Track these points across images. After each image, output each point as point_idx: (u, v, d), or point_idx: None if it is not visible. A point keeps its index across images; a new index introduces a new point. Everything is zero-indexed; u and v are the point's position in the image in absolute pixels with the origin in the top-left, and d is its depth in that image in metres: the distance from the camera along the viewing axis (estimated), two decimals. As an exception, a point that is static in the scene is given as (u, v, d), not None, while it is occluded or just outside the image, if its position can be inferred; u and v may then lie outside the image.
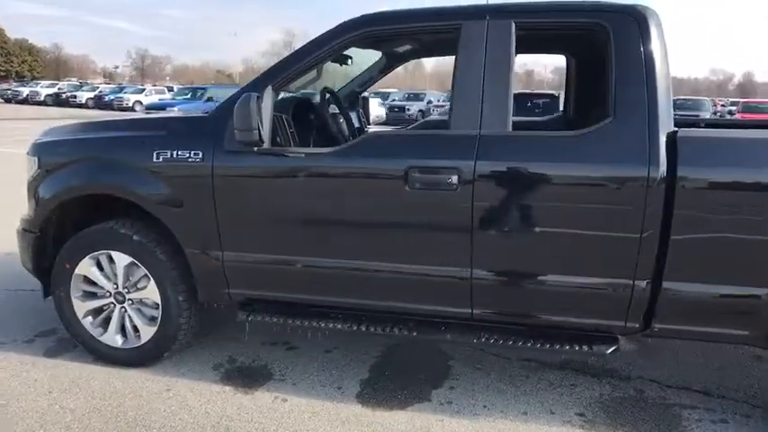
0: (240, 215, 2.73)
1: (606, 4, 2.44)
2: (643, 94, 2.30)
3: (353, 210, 2.59)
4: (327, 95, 3.47)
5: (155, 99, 28.05)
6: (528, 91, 14.29)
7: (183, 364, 3.12)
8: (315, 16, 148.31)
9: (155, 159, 2.77)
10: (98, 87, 39.98)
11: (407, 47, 3.38)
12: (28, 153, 3.14)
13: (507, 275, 2.49)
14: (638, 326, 2.44)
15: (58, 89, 38.94)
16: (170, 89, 33.99)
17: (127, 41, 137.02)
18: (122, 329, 3.06)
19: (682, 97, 23.74)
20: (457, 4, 2.63)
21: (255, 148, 2.60)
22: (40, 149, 3.06)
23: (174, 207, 2.78)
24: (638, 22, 2.34)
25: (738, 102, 26.20)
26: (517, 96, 12.93)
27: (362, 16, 2.66)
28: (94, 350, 3.10)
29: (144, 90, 33.66)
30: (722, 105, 28.50)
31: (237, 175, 2.69)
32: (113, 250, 2.92)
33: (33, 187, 3.04)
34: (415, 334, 2.65)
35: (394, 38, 2.76)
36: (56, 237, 3.13)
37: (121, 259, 2.92)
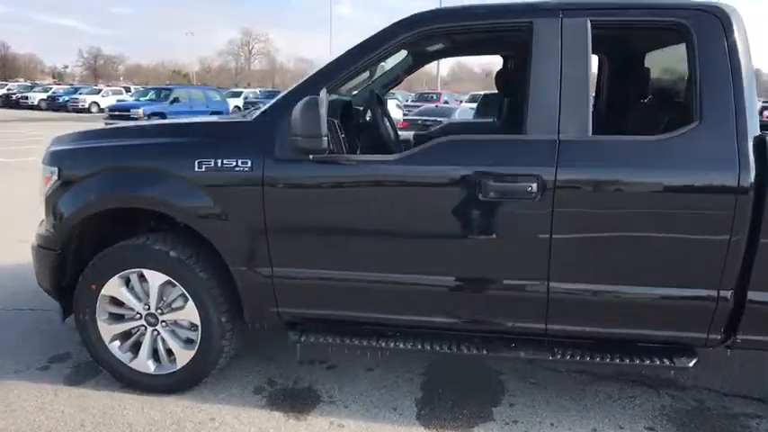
0: (293, 228, 2.52)
1: (688, 2, 2.34)
2: (730, 97, 2.22)
3: (420, 221, 2.43)
4: (370, 98, 3.28)
5: (112, 100, 27.08)
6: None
7: (220, 388, 2.88)
8: (274, 16, 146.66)
9: (196, 168, 2.54)
10: (51, 88, 38.36)
11: (452, 45, 3.22)
12: (44, 162, 2.85)
13: (587, 288, 2.37)
14: (719, 337, 2.37)
15: (8, 90, 37.17)
16: (127, 90, 32.86)
17: (76, 40, 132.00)
18: (155, 354, 2.81)
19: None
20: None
21: (311, 156, 2.41)
22: (59, 158, 2.77)
23: (218, 220, 2.55)
24: (721, 21, 2.26)
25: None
26: (490, 96, 12.95)
27: (423, 13, 2.50)
28: (123, 377, 2.83)
29: (100, 91, 32.45)
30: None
31: (291, 184, 2.49)
32: (146, 268, 2.67)
33: (52, 200, 2.75)
34: (485, 352, 2.50)
35: (453, 36, 2.60)
36: (75, 254, 2.85)
37: (155, 278, 2.68)
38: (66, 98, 31.85)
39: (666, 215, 2.27)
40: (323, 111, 2.23)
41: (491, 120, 4.86)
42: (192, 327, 2.73)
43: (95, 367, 3.03)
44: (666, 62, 2.99)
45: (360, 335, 2.62)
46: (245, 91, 34.98)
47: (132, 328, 2.81)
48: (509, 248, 2.39)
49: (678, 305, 2.33)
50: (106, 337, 2.81)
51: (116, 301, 2.79)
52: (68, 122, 24.16)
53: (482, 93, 23.13)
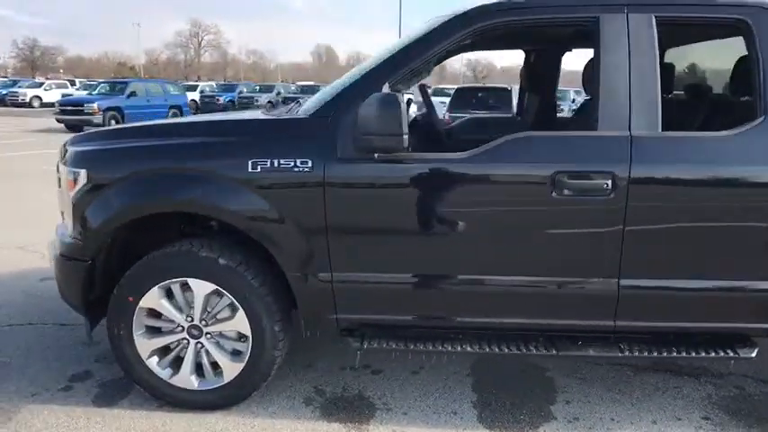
0: (356, 230, 2.41)
1: (749, 0, 2.38)
2: (793, 93, 2.28)
3: (490, 220, 2.37)
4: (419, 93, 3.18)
5: (56, 94, 25.59)
6: (478, 85, 14.35)
7: (267, 401, 2.73)
8: (223, 6, 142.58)
9: (250, 169, 2.37)
10: (-19, 81, 35.90)
11: (499, 39, 3.13)
12: (67, 164, 2.59)
13: (657, 283, 2.38)
14: None
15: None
16: (72, 83, 31.15)
17: (10, 30, 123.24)
18: (198, 368, 2.63)
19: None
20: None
21: (377, 155, 2.30)
22: (88, 160, 2.53)
23: (274, 224, 2.40)
24: None
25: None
26: (464, 90, 13.07)
27: (489, 5, 2.41)
28: (164, 395, 2.64)
29: (42, 84, 30.56)
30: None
31: (356, 185, 2.37)
32: (191, 277, 2.49)
33: (80, 206, 2.51)
34: (554, 352, 2.47)
35: (513, 30, 2.54)
36: (104, 265, 2.63)
37: (201, 287, 2.49)
38: (4, 91, 29.82)
39: (738, 209, 2.30)
40: (403, 108, 2.13)
41: (510, 115, 4.84)
42: (241, 338, 2.57)
43: (123, 385, 2.83)
44: (716, 58, 3.05)
45: (422, 339, 2.53)
46: (200, 84, 34.02)
47: (172, 342, 2.61)
48: (581, 246, 2.37)
49: (748, 297, 2.38)
50: (143, 352, 2.61)
51: (154, 314, 2.59)
52: (10, 117, 22.72)
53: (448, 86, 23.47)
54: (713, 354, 2.45)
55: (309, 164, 2.35)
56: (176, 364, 2.64)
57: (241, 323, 2.53)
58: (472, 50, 3.38)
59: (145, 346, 2.60)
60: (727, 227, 2.32)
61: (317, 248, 2.42)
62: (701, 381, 3.00)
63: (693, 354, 2.45)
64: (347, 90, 2.43)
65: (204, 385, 2.63)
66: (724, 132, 2.33)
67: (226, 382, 2.60)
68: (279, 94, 28.73)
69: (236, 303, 2.50)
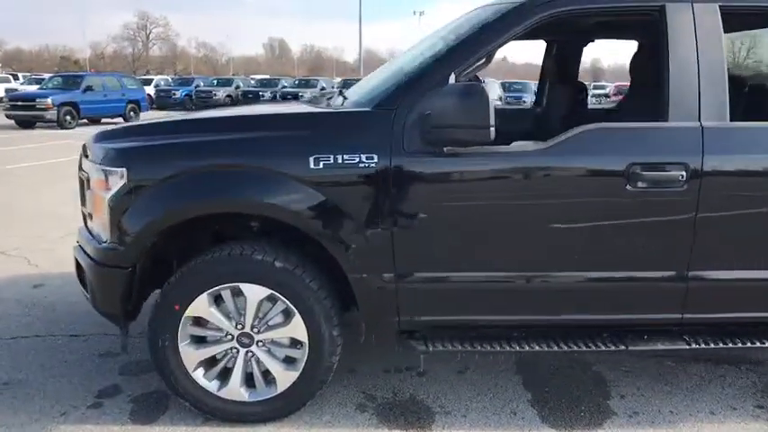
0: (423, 228, 2.29)
1: None
2: None
3: (564, 213, 2.30)
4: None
5: (-1, 88, 24.20)
6: None
7: (317, 410, 2.59)
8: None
9: (312, 166, 2.22)
10: None
11: (559, 28, 3.02)
12: (102, 163, 2.37)
13: (726, 275, 2.37)
14: None
15: None
16: (14, 77, 29.45)
17: None
18: (248, 379, 2.47)
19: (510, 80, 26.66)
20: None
21: (446, 149, 2.20)
22: (128, 158, 2.32)
23: (337, 224, 2.26)
24: None
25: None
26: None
27: (549, 2, 2.33)
28: (212, 409, 2.46)
29: (-21, 77, 28.85)
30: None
31: (424, 180, 2.25)
32: (245, 282, 2.32)
33: (119, 208, 2.30)
34: (623, 347, 2.43)
35: (579, 19, 2.47)
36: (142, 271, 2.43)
37: (255, 292, 2.33)
38: (-61, 87, 27.95)
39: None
40: (490, 98, 2.03)
41: (530, 106, 4.78)
42: (296, 344, 2.42)
43: (158, 399, 2.65)
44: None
45: (487, 339, 2.45)
46: (156, 78, 32.88)
47: (220, 353, 2.44)
48: (653, 240, 2.33)
49: None
50: (189, 364, 2.42)
51: (201, 322, 2.41)
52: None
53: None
54: (760, 344, 2.47)
55: (375, 158, 2.22)
56: (224, 375, 2.47)
57: (297, 329, 2.38)
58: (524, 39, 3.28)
59: (191, 357, 2.42)
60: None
61: (381, 248, 2.29)
62: (741, 369, 3.04)
63: (758, 344, 2.46)
64: (411, 81, 2.31)
65: (255, 396, 2.47)
66: (787, 122, 2.33)
67: (279, 392, 2.45)
68: (238, 87, 28.06)
69: (292, 308, 2.35)
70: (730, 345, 2.46)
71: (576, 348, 2.42)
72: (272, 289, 2.32)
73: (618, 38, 3.49)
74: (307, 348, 2.40)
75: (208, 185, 2.26)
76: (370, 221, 2.27)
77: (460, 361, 3.01)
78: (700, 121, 2.28)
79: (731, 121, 2.32)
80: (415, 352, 2.41)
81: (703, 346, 2.45)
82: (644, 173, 2.24)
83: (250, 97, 26.42)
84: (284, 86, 28.05)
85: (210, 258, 2.32)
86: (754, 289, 2.40)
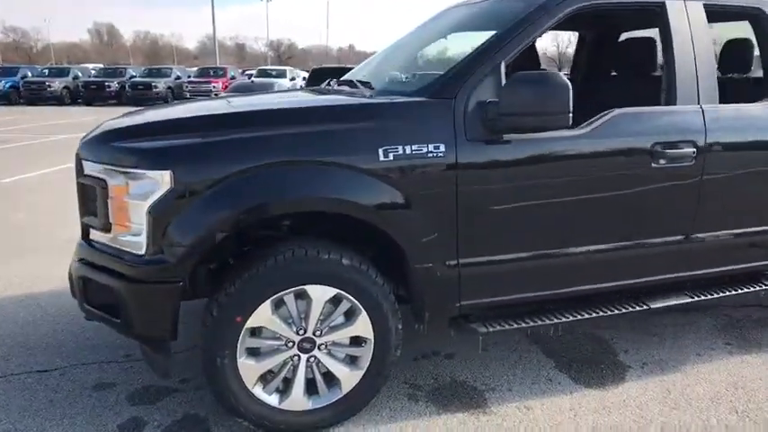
0: (484, 213, 2.35)
1: None
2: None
3: (605, 191, 2.49)
4: None
5: None
6: (336, 65, 14.03)
7: (373, 408, 2.53)
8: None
9: (382, 158, 2.17)
10: None
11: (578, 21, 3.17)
12: (133, 166, 2.06)
13: (725, 233, 2.77)
14: None
15: None
16: None
17: None
18: (309, 385, 2.35)
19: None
20: None
21: (507, 136, 2.28)
22: (174, 158, 2.04)
23: (405, 215, 2.23)
24: None
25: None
26: (322, 72, 12.86)
27: None
28: (275, 423, 2.30)
29: None
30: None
31: (486, 166, 2.30)
32: (311, 284, 2.20)
33: (166, 216, 2.04)
34: (645, 307, 2.71)
35: (598, 12, 2.65)
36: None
37: (322, 294, 2.22)
38: None
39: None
40: (570, 85, 2.13)
41: None
42: (359, 342, 2.36)
43: (196, 424, 2.41)
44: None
45: (532, 314, 2.59)
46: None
47: (277, 364, 2.29)
48: (672, 209, 2.63)
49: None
50: (249, 380, 2.24)
51: (256, 333, 2.24)
52: None
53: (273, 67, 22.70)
54: (750, 289, 2.93)
55: (442, 148, 2.23)
56: (285, 385, 2.32)
57: (362, 327, 2.31)
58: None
59: (251, 371, 2.24)
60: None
61: (447, 235, 2.31)
62: (703, 314, 3.53)
63: (743, 290, 2.90)
64: (466, 70, 2.33)
65: (318, 403, 2.36)
66: (760, 103, 2.77)
67: (343, 394, 2.37)
68: (77, 78, 25.07)
69: (358, 306, 2.28)
70: (724, 294, 2.88)
71: (609, 313, 2.66)
72: (339, 288, 2.23)
73: (631, 29, 3.79)
74: (372, 345, 2.35)
75: (274, 184, 2.10)
76: (437, 210, 2.28)
77: (478, 340, 3.12)
78: (699, 104, 2.62)
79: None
80: (476, 334, 2.48)
81: (703, 298, 2.84)
82: (665, 151, 2.52)
83: (34, 89, 23.14)
84: (133, 76, 25.65)
85: (274, 262, 2.16)
86: (746, 244, 2.82)
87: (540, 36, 2.46)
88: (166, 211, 2.04)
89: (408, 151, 2.20)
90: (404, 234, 2.26)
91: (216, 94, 23.47)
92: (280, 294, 2.18)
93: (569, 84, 2.12)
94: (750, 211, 2.81)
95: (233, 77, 26.19)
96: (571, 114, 2.16)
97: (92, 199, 2.23)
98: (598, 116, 2.47)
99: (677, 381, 2.80)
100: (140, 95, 22.59)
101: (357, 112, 2.28)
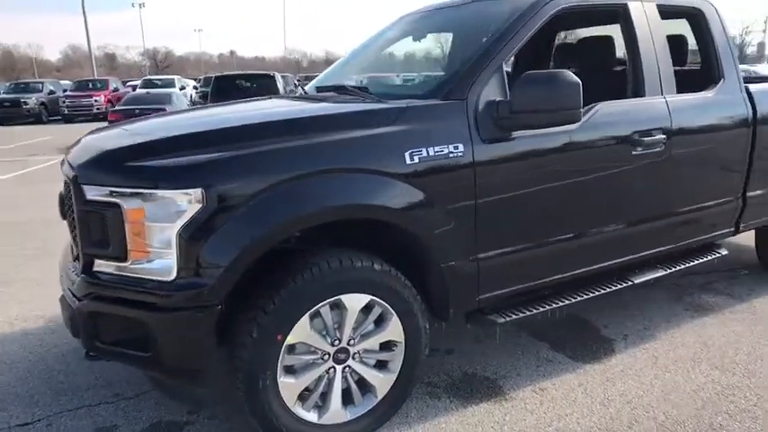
0: (499, 207, 2.44)
1: None
2: (733, 62, 3.21)
3: (600, 177, 2.68)
4: None
5: None
6: (239, 72, 13.55)
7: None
8: None
9: (408, 161, 2.19)
10: None
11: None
12: (165, 186, 1.91)
13: (689, 208, 3.10)
14: (734, 229, 3.40)
15: None
16: None
17: None
18: (344, 396, 2.31)
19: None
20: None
21: (514, 133, 2.40)
22: (205, 174, 1.91)
23: (430, 215, 2.27)
24: (716, 10, 3.20)
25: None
26: (224, 79, 12.46)
27: None
28: (314, 442, 2.24)
29: None
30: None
31: (500, 163, 2.39)
32: (346, 293, 2.16)
33: (198, 237, 1.91)
34: (630, 282, 2.95)
35: (575, 14, 2.83)
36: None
37: (356, 302, 2.20)
38: None
39: (723, 142, 3.13)
40: (579, 81, 2.26)
41: None
42: (390, 347, 2.36)
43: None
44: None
45: (539, 300, 2.73)
46: None
47: (316, 378, 2.23)
48: (651, 190, 2.89)
49: (719, 211, 3.26)
50: (290, 399, 2.17)
51: (292, 349, 2.16)
52: None
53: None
54: (707, 258, 3.30)
55: (461, 147, 2.30)
56: (322, 400, 2.27)
57: (394, 330, 2.32)
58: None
59: (291, 390, 2.17)
60: (719, 157, 3.14)
61: (467, 232, 2.38)
62: (657, 285, 3.88)
63: (696, 262, 3.25)
64: (473, 70, 2.41)
65: (356, 412, 2.33)
66: (706, 92, 3.12)
67: (378, 400, 2.36)
68: None
69: (390, 310, 2.28)
70: (686, 266, 3.20)
71: (606, 291, 2.87)
72: (373, 294, 2.22)
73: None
74: (403, 347, 2.36)
75: (319, 193, 2.06)
76: (458, 207, 2.34)
77: (470, 333, 3.23)
78: (663, 94, 2.90)
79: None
80: (495, 325, 2.57)
81: (674, 270, 3.15)
82: (641, 138, 2.77)
83: (7, 106, 20.86)
84: (-1, 92, 23.16)
85: (311, 275, 2.10)
86: (697, 218, 3.16)
87: (532, 36, 2.59)
88: (199, 232, 1.92)
89: (432, 153, 2.24)
90: (430, 234, 2.29)
91: (98, 109, 21.90)
92: (317, 307, 2.13)
93: (579, 81, 2.27)
94: (707, 187, 3.16)
95: (116, 89, 24.55)
96: (581, 110, 2.32)
97: (99, 227, 2.04)
98: (586, 109, 2.66)
99: (659, 347, 3.09)
100: (9, 114, 20.47)
101: (381, 118, 2.27)
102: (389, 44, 3.51)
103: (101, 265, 2.09)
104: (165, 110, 12.96)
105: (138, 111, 12.59)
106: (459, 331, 3.11)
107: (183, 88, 24.46)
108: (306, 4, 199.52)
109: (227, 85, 12.24)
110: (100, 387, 2.81)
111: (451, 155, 2.28)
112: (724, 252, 3.39)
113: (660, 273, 3.11)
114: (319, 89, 3.14)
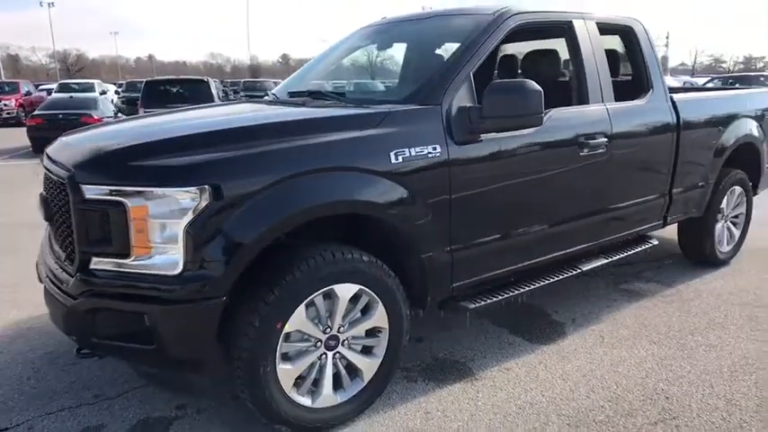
0: (469, 201, 2.67)
1: (627, 16, 3.59)
2: (660, 73, 3.64)
3: (555, 175, 2.97)
4: None
5: None
6: (170, 77, 13.09)
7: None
8: None
9: (393, 161, 2.38)
10: None
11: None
12: (172, 185, 1.99)
13: (626, 203, 3.48)
14: (662, 222, 3.84)
15: None
16: None
17: None
18: (335, 381, 2.46)
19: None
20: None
21: (483, 136, 2.65)
22: (210, 172, 2.01)
23: (411, 209, 2.46)
24: (644, 26, 3.63)
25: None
26: (156, 84, 12.08)
27: (521, 12, 2.99)
28: (311, 422, 2.39)
29: None
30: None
31: (470, 163, 2.63)
32: (338, 283, 2.32)
33: (205, 232, 2.01)
34: (579, 270, 3.29)
35: (527, 30, 3.12)
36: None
37: (347, 291, 2.36)
38: None
39: (654, 145, 3.55)
40: (541, 89, 2.54)
41: None
42: (375, 333, 2.53)
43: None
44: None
45: (512, 285, 3.00)
46: None
47: (309, 364, 2.37)
48: (595, 186, 3.24)
49: (651, 206, 3.68)
50: (287, 385, 2.30)
51: (288, 337, 2.30)
52: None
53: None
54: (642, 247, 3.71)
55: (438, 148, 2.52)
56: (315, 385, 2.41)
57: (379, 317, 2.50)
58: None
59: (288, 376, 2.30)
60: (650, 158, 3.56)
61: (443, 224, 2.60)
62: (593, 274, 4.30)
63: (632, 252, 3.65)
64: (444, 80, 2.64)
65: (345, 396, 2.49)
66: (639, 100, 3.53)
67: (366, 383, 2.53)
68: None
69: (376, 299, 2.46)
70: (622, 256, 3.59)
71: (553, 280, 3.18)
72: (362, 284, 2.39)
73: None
74: (387, 333, 2.54)
75: (316, 190, 2.21)
76: (436, 203, 2.55)
77: (438, 323, 3.46)
78: (603, 102, 3.26)
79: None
80: (468, 311, 2.80)
81: (615, 258, 3.52)
82: (587, 141, 3.11)
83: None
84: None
85: (307, 267, 2.24)
86: (631, 213, 3.55)
87: (494, 48, 2.87)
88: (206, 228, 2.02)
89: (413, 153, 2.44)
90: (412, 227, 2.50)
91: (9, 114, 20.55)
92: (312, 296, 2.27)
93: (541, 89, 2.55)
94: (641, 185, 3.57)
95: (28, 93, 23.13)
96: (544, 114, 2.60)
97: (98, 225, 2.09)
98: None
99: (604, 328, 3.45)
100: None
101: (369, 121, 2.44)
102: (352, 52, 3.71)
103: (98, 263, 2.13)
104: (90, 116, 12.48)
105: (61, 116, 12.04)
106: (427, 320, 3.32)
107: (103, 93, 23.35)
108: (233, 9, 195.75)
109: (159, 90, 11.91)
110: (77, 390, 2.80)
111: (430, 155, 2.49)
112: (655, 242, 3.83)
113: (603, 261, 3.47)
114: (292, 94, 3.28)
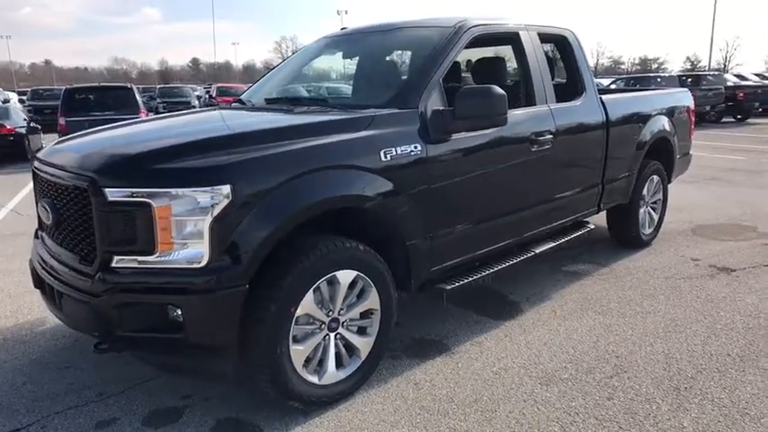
0: (444, 193, 3.00)
1: (565, 26, 4.08)
2: (590, 77, 4.16)
3: (512, 170, 3.38)
4: None
5: None
6: (91, 84, 12.42)
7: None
8: None
9: (383, 159, 2.68)
10: None
11: None
12: (198, 185, 2.18)
13: (567, 193, 3.95)
14: (597, 209, 4.37)
15: None
16: None
17: None
18: (337, 359, 2.72)
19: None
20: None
21: (453, 135, 3.01)
22: (232, 172, 2.23)
23: (397, 202, 2.77)
24: (576, 36, 4.14)
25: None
26: (76, 91, 11.60)
27: (479, 23, 3.37)
28: (319, 398, 2.63)
29: None
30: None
31: (445, 159, 2.96)
32: (340, 269, 2.59)
33: (228, 227, 2.22)
34: (533, 252, 3.73)
35: (484, 40, 3.48)
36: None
37: (346, 277, 2.63)
38: None
39: (588, 141, 4.05)
40: (505, 93, 2.91)
41: None
42: (367, 315, 2.81)
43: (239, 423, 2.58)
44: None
45: (475, 269, 3.37)
46: None
47: (315, 345, 2.62)
48: (545, 178, 3.68)
49: (588, 194, 4.19)
50: (298, 364, 2.53)
51: (298, 320, 2.53)
52: None
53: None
54: (583, 231, 4.21)
55: (419, 147, 2.84)
56: (320, 365, 2.66)
57: (373, 300, 2.79)
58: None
59: (299, 356, 2.53)
60: (586, 152, 4.06)
61: (423, 213, 2.92)
62: (542, 260, 4.77)
63: (574, 235, 4.14)
64: (419, 85, 2.97)
65: (346, 372, 2.75)
66: (575, 101, 4.02)
67: (362, 360, 2.80)
68: None
69: (371, 283, 2.75)
70: (567, 239, 4.07)
71: (513, 261, 3.60)
72: (359, 270, 2.67)
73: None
74: (379, 314, 2.83)
75: (322, 186, 2.47)
76: (418, 195, 2.87)
77: (411, 306, 3.78)
78: (548, 104, 3.72)
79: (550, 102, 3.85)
80: (445, 291, 3.15)
81: (562, 242, 3.99)
82: (536, 138, 3.54)
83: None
84: None
85: (316, 255, 2.49)
86: (572, 201, 4.04)
87: (457, 56, 3.24)
88: (228, 223, 2.23)
89: (399, 151, 2.75)
90: (399, 217, 2.80)
91: None
92: (318, 282, 2.53)
93: (505, 93, 2.94)
94: (581, 176, 4.07)
95: None
96: (508, 115, 2.99)
97: (121, 226, 2.24)
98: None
99: (554, 303, 3.91)
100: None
101: (361, 123, 2.73)
102: (315, 59, 3.97)
103: (120, 261, 2.29)
104: (3, 125, 11.86)
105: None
106: (401, 307, 3.62)
107: (6, 101, 21.88)
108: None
109: (79, 98, 11.47)
110: (78, 390, 2.88)
111: (412, 153, 2.81)
112: (592, 226, 4.36)
113: (552, 244, 3.94)
114: (269, 101, 3.50)
